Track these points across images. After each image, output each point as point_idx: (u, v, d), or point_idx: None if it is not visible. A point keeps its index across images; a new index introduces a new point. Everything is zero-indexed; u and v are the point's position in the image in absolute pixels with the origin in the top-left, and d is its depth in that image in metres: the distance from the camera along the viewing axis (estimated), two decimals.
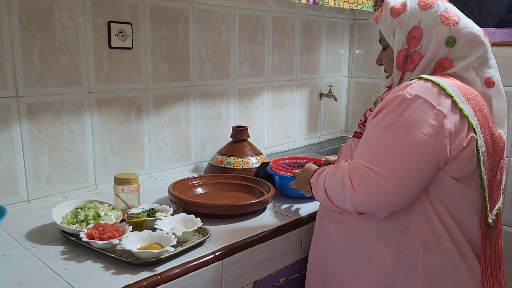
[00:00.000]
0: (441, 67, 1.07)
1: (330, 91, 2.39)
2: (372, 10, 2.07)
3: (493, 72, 1.10)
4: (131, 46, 1.55)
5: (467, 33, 1.07)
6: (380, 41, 1.21)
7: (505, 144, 1.11)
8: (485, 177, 1.03)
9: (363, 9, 2.02)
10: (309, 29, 2.26)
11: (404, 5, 1.11)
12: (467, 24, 1.08)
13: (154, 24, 1.61)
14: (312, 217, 1.37)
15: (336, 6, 1.88)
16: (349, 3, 1.94)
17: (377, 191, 0.97)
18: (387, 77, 1.23)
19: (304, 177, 1.25)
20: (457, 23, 1.07)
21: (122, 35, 1.52)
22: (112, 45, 1.50)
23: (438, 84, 0.99)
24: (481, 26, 1.11)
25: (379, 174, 0.96)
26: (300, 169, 1.33)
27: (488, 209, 1.05)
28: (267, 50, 2.06)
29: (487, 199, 1.05)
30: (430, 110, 0.96)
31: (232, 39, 1.89)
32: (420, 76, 1.04)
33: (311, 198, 1.48)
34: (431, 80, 1.01)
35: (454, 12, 1.09)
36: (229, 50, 1.89)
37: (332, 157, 1.58)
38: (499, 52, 1.10)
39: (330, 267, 1.18)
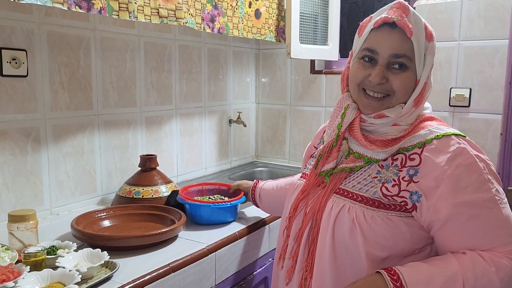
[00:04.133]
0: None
1: (239, 117, 2.45)
2: (274, 40, 2.18)
3: None
4: (26, 74, 1.46)
5: None
6: (395, 56, 0.95)
7: None
8: None
9: (266, 39, 2.12)
10: (215, 57, 2.31)
11: (431, 30, 0.98)
12: None
13: (52, 51, 1.54)
14: (224, 242, 1.37)
15: (240, 36, 1.95)
16: (252, 33, 2.02)
17: None
18: (380, 103, 0.97)
19: None
20: None
21: (16, 62, 1.42)
22: (4, 73, 1.40)
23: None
24: None
25: None
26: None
27: None
28: (174, 78, 2.06)
29: None
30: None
31: (137, 67, 1.86)
32: (457, 133, 0.96)
33: (223, 224, 1.50)
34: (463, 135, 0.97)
35: None
36: (135, 78, 1.86)
37: (244, 183, 1.59)
38: None
39: None
